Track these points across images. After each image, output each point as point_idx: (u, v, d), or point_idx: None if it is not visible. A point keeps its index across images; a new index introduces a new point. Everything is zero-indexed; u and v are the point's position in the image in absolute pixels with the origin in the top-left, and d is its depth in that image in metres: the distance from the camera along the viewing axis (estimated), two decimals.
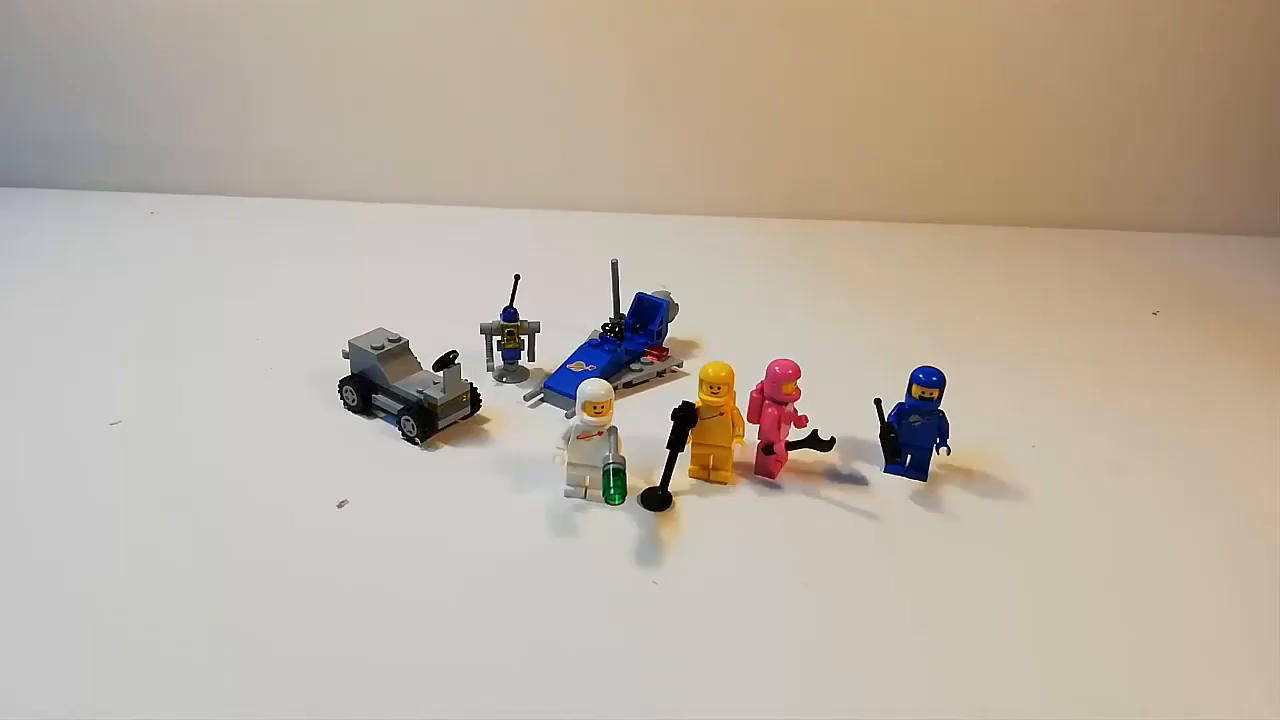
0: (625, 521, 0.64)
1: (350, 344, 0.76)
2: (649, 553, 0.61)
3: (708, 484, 0.69)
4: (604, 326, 0.86)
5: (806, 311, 1.03)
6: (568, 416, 0.77)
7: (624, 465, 0.63)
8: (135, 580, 0.57)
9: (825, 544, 0.62)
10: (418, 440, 0.73)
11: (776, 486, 0.69)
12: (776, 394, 0.67)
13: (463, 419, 0.76)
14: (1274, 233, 1.36)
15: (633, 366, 0.84)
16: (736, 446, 0.69)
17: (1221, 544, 0.64)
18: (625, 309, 0.87)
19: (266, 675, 0.50)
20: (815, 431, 0.67)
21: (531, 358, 0.84)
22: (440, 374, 0.72)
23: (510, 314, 0.82)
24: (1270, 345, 0.96)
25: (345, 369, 0.78)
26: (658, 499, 0.65)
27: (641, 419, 0.71)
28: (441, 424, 0.74)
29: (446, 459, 0.71)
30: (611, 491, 0.61)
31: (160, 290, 1.03)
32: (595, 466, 0.64)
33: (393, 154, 1.38)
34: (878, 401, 0.68)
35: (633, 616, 0.55)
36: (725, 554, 0.61)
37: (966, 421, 0.69)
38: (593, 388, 0.63)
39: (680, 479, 0.68)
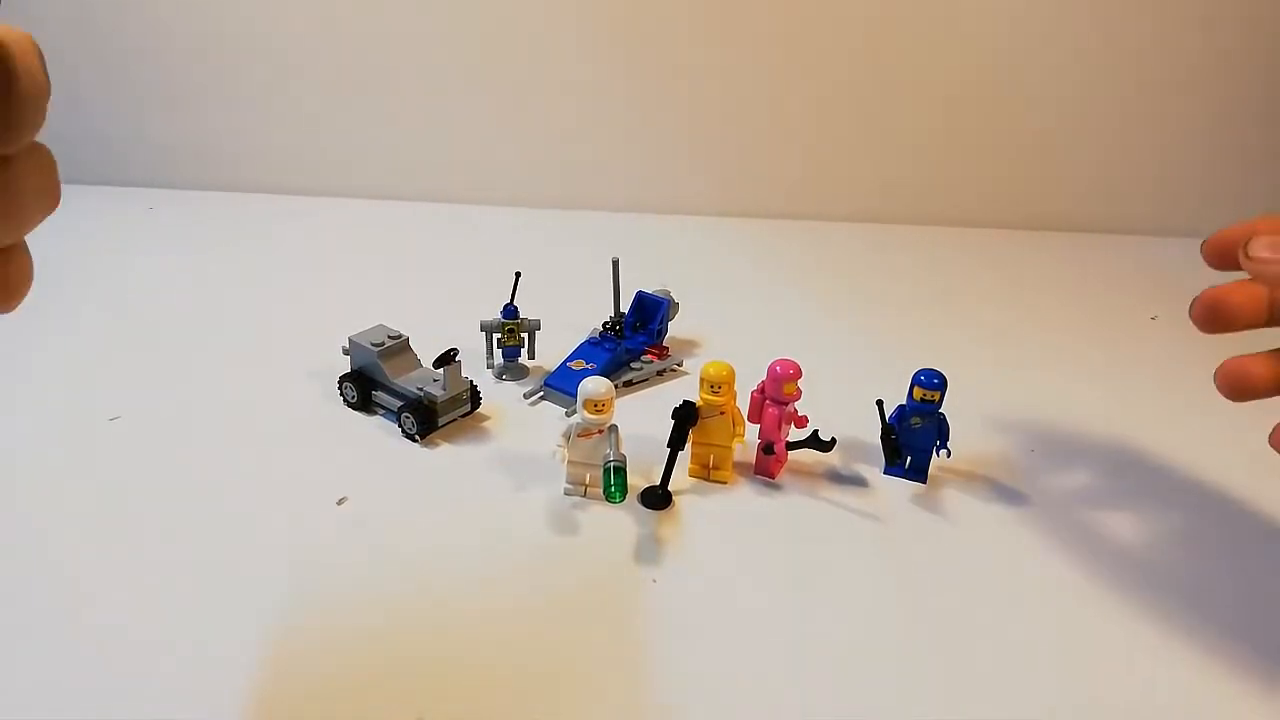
0: (625, 520, 0.64)
1: (350, 340, 0.76)
2: (649, 551, 0.61)
3: (708, 483, 0.69)
4: (604, 325, 0.86)
5: (807, 312, 1.03)
6: (568, 415, 0.77)
7: (625, 463, 0.62)
8: (133, 576, 0.56)
9: (824, 544, 0.62)
10: (417, 437, 0.72)
11: (776, 486, 0.69)
12: (777, 394, 0.67)
13: (462, 416, 0.76)
14: None
15: (633, 365, 0.84)
16: (737, 446, 0.69)
17: (1221, 546, 0.64)
18: (625, 307, 0.87)
19: (263, 671, 0.50)
20: (816, 432, 0.67)
21: (531, 355, 0.84)
22: (440, 371, 0.72)
23: (510, 311, 0.82)
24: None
25: (345, 365, 0.78)
26: (658, 498, 0.65)
27: (642, 418, 0.71)
28: (441, 421, 0.73)
29: (446, 456, 0.71)
30: (612, 489, 0.61)
31: (159, 286, 1.03)
32: (596, 464, 0.64)
33: (393, 153, 1.38)
34: (879, 403, 0.68)
35: (632, 615, 0.55)
36: (725, 553, 0.61)
37: (966, 424, 0.69)
38: (594, 385, 0.63)
39: (680, 478, 0.68)
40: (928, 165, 1.36)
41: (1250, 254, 0.51)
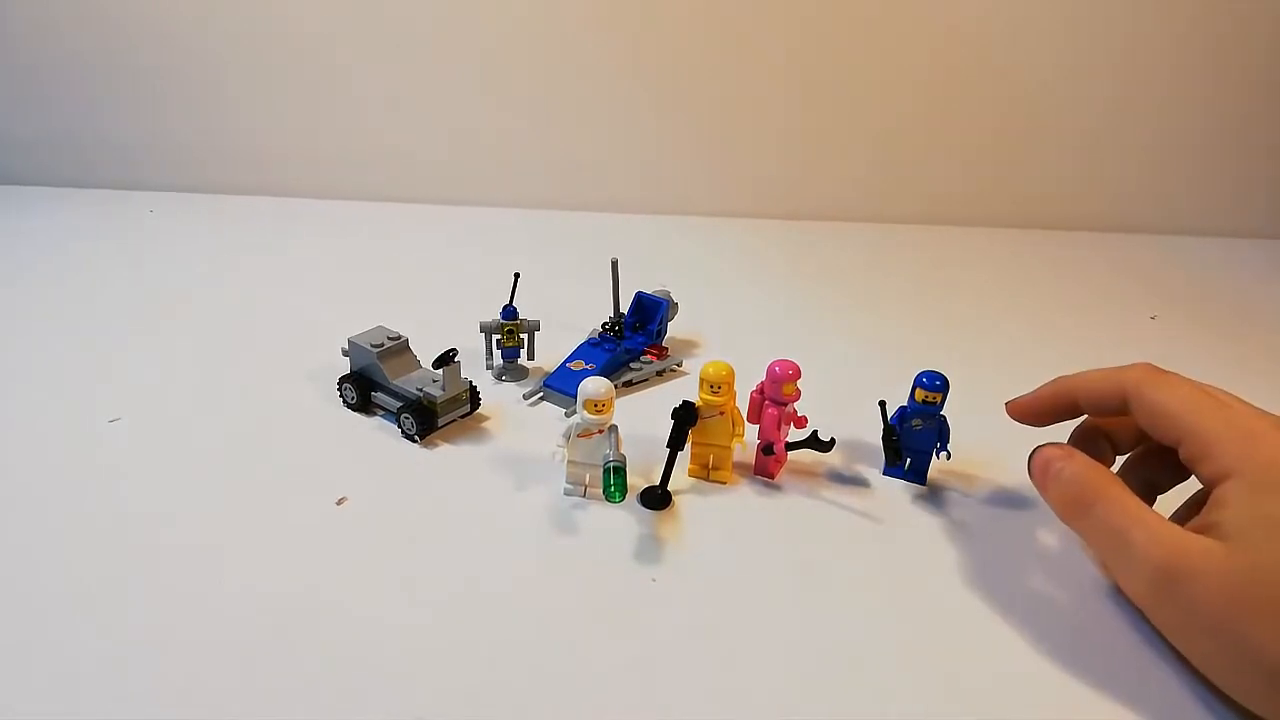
0: (625, 520, 0.64)
1: (350, 341, 0.76)
2: (648, 551, 0.60)
3: (707, 483, 0.69)
4: (604, 325, 0.86)
5: (807, 311, 1.03)
6: (568, 415, 0.77)
7: (624, 463, 0.62)
8: (133, 576, 0.56)
9: (824, 544, 0.62)
10: (417, 438, 0.72)
11: (776, 486, 0.69)
12: (776, 394, 0.67)
13: (462, 417, 0.76)
14: (1274, 235, 1.36)
15: (632, 365, 0.84)
16: (736, 446, 0.69)
17: None
18: (625, 308, 0.87)
19: (262, 671, 0.50)
20: (815, 432, 0.67)
21: (531, 356, 0.84)
22: (439, 372, 0.72)
23: (510, 312, 0.82)
24: (1269, 348, 0.96)
25: (345, 366, 0.78)
26: (657, 498, 0.65)
27: (642, 418, 0.71)
28: (441, 422, 0.73)
29: (445, 457, 0.71)
30: (612, 489, 0.61)
31: (159, 288, 1.03)
32: (595, 464, 0.64)
33: (394, 154, 1.38)
34: (882, 404, 0.68)
35: (632, 615, 0.55)
36: (724, 553, 0.61)
37: (966, 426, 0.69)
38: (594, 385, 0.63)
39: (680, 478, 0.68)
40: (928, 166, 1.36)
41: (1031, 472, 0.60)
